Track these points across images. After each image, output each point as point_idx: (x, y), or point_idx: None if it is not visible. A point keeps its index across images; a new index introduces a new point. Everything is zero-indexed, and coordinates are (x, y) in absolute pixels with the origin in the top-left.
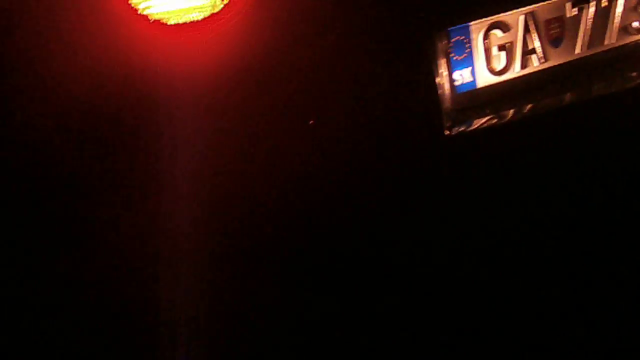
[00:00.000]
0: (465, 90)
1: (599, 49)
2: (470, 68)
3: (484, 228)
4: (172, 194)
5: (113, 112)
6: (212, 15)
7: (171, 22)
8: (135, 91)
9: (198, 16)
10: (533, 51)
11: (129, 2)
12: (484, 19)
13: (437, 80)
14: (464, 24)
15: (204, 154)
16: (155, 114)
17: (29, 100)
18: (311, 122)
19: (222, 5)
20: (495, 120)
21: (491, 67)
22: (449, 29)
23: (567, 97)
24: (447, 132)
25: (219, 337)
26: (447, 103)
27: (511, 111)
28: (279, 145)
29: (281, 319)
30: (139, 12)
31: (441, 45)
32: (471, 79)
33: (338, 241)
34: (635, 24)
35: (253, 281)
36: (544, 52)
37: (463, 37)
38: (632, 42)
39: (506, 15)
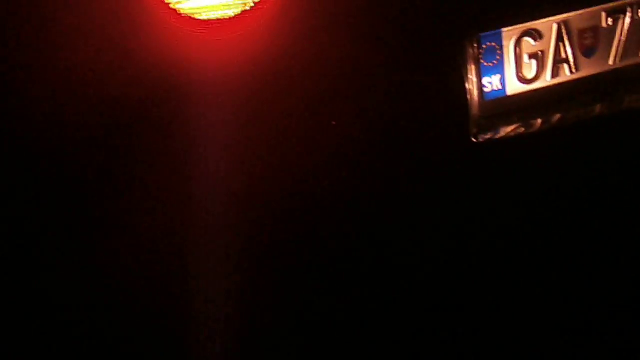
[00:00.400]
0: (494, 98)
1: (633, 61)
2: (500, 75)
3: (507, 235)
4: (199, 191)
5: (140, 104)
6: (243, 12)
7: (201, 17)
8: (163, 84)
9: (228, 13)
10: (565, 60)
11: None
12: (516, 26)
13: (467, 86)
14: (496, 31)
15: (230, 150)
16: (182, 108)
17: (56, 93)
18: (334, 122)
19: (253, 3)
20: (523, 129)
21: (521, 75)
22: (480, 35)
23: (598, 108)
24: (474, 139)
25: (245, 337)
26: (475, 110)
27: (539, 120)
28: (305, 146)
29: (310, 319)
30: (170, 5)
31: (472, 51)
32: (500, 87)
33: (362, 245)
34: None
35: (282, 281)
36: (576, 61)
37: (494, 43)
38: None
39: (539, 23)
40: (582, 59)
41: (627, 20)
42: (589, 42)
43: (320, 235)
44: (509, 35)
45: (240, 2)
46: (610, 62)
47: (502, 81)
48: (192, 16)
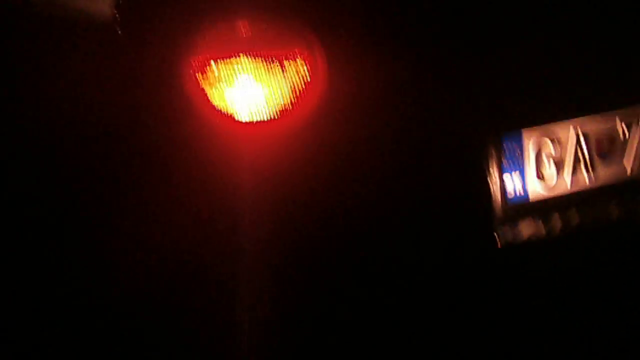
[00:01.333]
0: (515, 201)
1: None
2: (520, 178)
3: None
4: None
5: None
6: (281, 115)
7: (241, 118)
8: (202, 175)
9: (265, 115)
10: (584, 165)
11: (208, 97)
12: (536, 127)
13: (490, 188)
14: (517, 131)
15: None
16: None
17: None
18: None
19: (290, 107)
20: (544, 232)
21: (541, 179)
22: (502, 135)
23: (616, 213)
24: (496, 242)
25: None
26: (497, 212)
27: (560, 224)
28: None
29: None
30: (213, 104)
31: (494, 151)
32: (522, 189)
33: None
34: None
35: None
36: (594, 167)
37: (516, 147)
38: None
39: (559, 126)
40: (600, 165)
41: None
42: (608, 148)
43: None
44: (529, 136)
45: (277, 106)
46: (629, 169)
47: (523, 184)
48: (233, 116)
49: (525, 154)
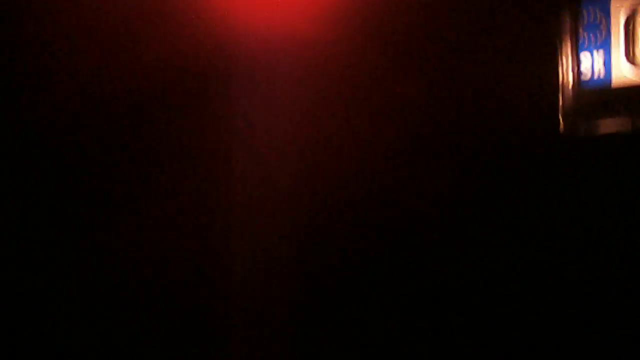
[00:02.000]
0: (594, 85)
1: None
2: (603, 57)
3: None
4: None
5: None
6: None
7: None
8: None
9: None
10: None
11: None
12: None
13: (560, 69)
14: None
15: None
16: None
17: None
18: None
19: None
20: (629, 125)
21: (632, 59)
22: (582, 3)
23: None
24: (565, 134)
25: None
26: (568, 99)
27: None
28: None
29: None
30: None
31: (570, 24)
32: (603, 72)
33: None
34: None
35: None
36: None
37: (600, 16)
38: None
39: None
40: None
41: None
42: None
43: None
44: (620, 6)
45: None
46: None
47: (607, 65)
48: None
49: (614, 25)
